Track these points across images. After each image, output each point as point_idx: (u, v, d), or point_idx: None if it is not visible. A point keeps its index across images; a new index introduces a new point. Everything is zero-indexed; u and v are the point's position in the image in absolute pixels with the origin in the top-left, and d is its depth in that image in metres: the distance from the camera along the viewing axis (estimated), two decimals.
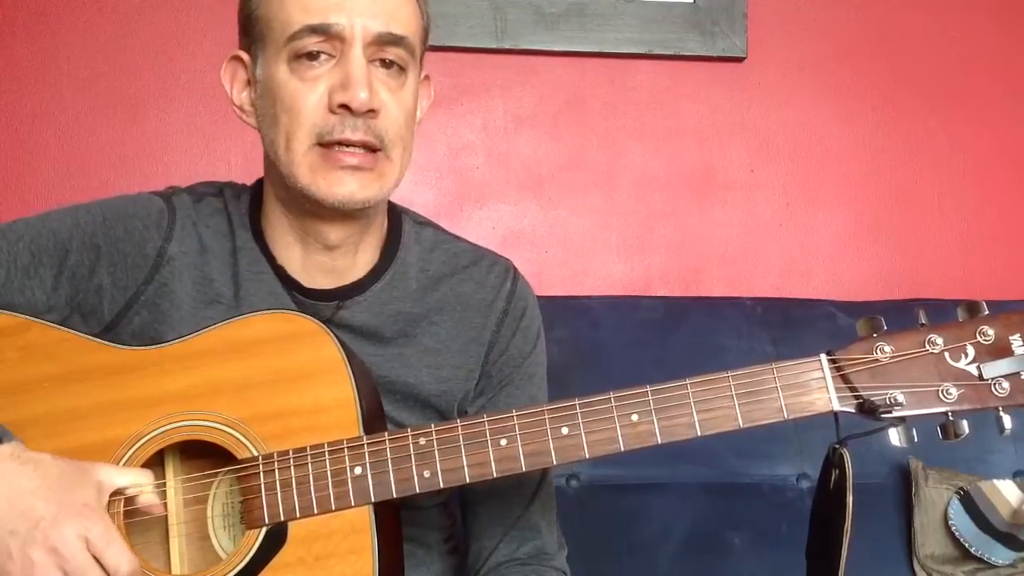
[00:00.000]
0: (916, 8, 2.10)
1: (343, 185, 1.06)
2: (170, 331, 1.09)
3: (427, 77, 1.21)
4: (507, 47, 1.98)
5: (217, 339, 1.05)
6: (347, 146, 1.06)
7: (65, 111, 1.90)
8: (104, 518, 0.95)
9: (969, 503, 1.66)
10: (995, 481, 1.67)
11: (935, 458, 1.72)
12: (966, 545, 1.64)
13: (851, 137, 2.08)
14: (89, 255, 1.10)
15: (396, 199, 2.01)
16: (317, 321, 1.05)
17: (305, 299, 1.14)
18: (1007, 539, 1.63)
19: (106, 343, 1.06)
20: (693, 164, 2.05)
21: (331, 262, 1.14)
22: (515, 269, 1.26)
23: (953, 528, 1.65)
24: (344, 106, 1.04)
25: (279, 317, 1.06)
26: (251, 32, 1.11)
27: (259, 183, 1.18)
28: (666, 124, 2.04)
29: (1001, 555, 1.63)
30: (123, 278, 1.10)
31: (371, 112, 1.05)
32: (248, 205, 1.17)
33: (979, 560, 1.64)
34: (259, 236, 1.15)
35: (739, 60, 2.04)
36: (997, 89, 2.12)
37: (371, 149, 1.07)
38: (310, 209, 1.10)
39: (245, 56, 1.13)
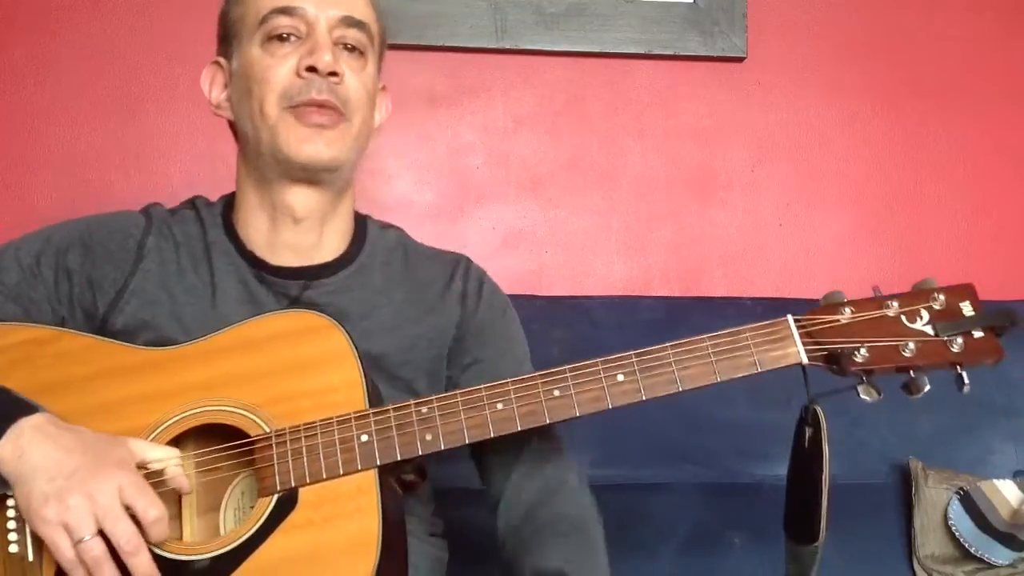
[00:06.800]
0: (916, 8, 2.10)
1: (311, 143, 1.17)
2: (159, 315, 1.18)
3: (384, 88, 1.33)
4: (507, 47, 1.98)
5: (234, 337, 1.12)
6: (315, 107, 1.16)
7: (65, 111, 1.89)
8: (136, 472, 1.01)
9: (969, 503, 1.66)
10: (995, 481, 1.67)
11: (935, 458, 1.72)
12: (966, 545, 1.64)
13: (851, 137, 2.08)
14: (80, 252, 1.20)
15: (396, 198, 2.02)
16: (328, 317, 1.12)
17: (273, 277, 1.22)
18: (1007, 539, 1.63)
19: (130, 346, 1.13)
20: (693, 164, 2.05)
21: (296, 238, 1.23)
22: (469, 260, 1.35)
23: (953, 528, 1.65)
24: (311, 69, 1.16)
25: (292, 315, 1.14)
26: (227, 36, 1.24)
27: (232, 195, 1.30)
28: (666, 124, 2.04)
29: (1001, 555, 1.63)
30: (112, 271, 1.20)
31: (334, 76, 1.17)
32: (221, 207, 1.28)
33: (979, 560, 1.64)
34: (231, 230, 1.25)
35: (739, 60, 2.04)
36: (998, 89, 2.12)
37: (334, 111, 1.18)
38: (279, 173, 1.20)
39: (222, 60, 1.26)
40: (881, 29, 2.09)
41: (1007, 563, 1.63)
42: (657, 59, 2.03)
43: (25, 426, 1.01)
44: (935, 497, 1.68)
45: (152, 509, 0.99)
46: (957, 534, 1.65)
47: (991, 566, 1.64)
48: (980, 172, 2.10)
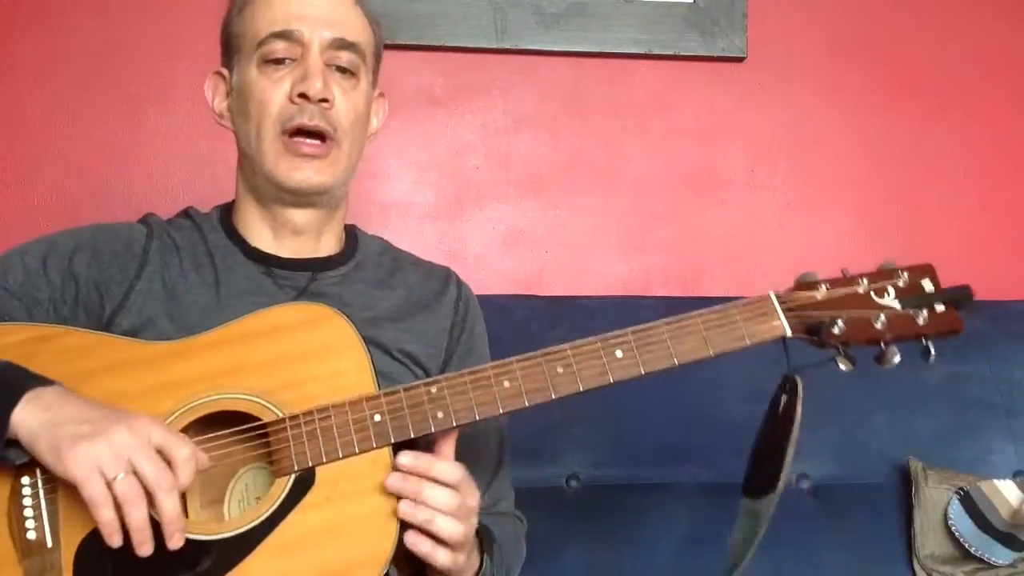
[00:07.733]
0: (916, 8, 2.10)
1: (301, 171, 1.24)
2: (163, 312, 1.21)
3: (381, 94, 1.38)
4: (507, 47, 1.98)
5: (241, 329, 1.14)
6: (306, 134, 1.23)
7: (65, 111, 1.89)
8: (160, 421, 1.03)
9: (969, 503, 1.66)
10: (995, 481, 1.67)
11: (935, 458, 1.72)
12: (966, 545, 1.64)
13: (851, 137, 2.08)
14: (87, 256, 1.23)
15: (396, 198, 2.02)
16: (331, 307, 1.15)
17: (281, 270, 1.27)
18: (1007, 539, 1.63)
19: (136, 340, 1.15)
20: (693, 164, 2.05)
21: (296, 244, 1.30)
22: (454, 272, 1.42)
23: (953, 528, 1.65)
24: (303, 95, 1.22)
25: (297, 307, 1.17)
26: (229, 49, 1.30)
27: (227, 204, 1.35)
28: (666, 124, 2.04)
29: (1001, 555, 1.63)
30: (118, 274, 1.23)
31: (325, 102, 1.23)
32: (219, 213, 1.34)
33: (979, 560, 1.64)
34: (232, 232, 1.30)
35: (739, 60, 2.04)
36: (998, 89, 2.12)
37: (325, 138, 1.24)
38: (277, 195, 1.27)
39: (225, 71, 1.31)
40: (881, 29, 2.09)
41: (1007, 563, 1.63)
42: (657, 59, 2.03)
43: (44, 392, 1.03)
44: (935, 497, 1.68)
45: (183, 448, 0.99)
46: (957, 534, 1.65)
47: (991, 566, 1.64)
48: (980, 172, 2.10)
